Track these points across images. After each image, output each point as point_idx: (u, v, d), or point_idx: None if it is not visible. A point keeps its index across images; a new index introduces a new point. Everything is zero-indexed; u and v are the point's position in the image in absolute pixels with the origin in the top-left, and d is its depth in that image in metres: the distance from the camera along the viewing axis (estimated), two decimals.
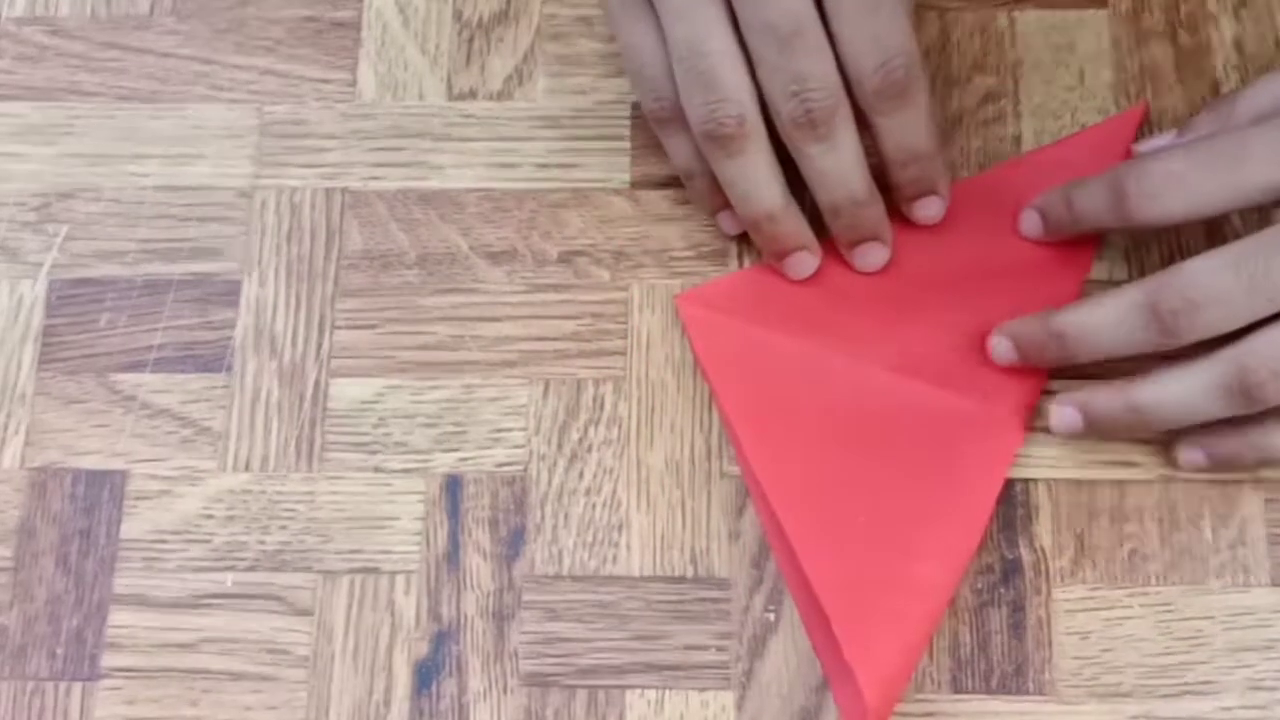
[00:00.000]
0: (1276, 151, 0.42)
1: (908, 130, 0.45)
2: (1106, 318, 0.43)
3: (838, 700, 0.43)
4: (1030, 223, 0.47)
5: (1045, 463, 0.46)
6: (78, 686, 0.45)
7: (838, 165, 0.44)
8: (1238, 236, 0.42)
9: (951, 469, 0.44)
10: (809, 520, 0.44)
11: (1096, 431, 0.44)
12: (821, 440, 0.45)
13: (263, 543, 0.46)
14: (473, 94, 0.51)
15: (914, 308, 0.47)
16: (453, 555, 0.45)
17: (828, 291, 0.47)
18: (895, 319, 0.47)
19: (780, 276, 0.47)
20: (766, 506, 0.45)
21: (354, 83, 0.51)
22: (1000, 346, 0.45)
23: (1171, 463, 0.45)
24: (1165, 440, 0.45)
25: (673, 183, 0.49)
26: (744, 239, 0.48)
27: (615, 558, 0.45)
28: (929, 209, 0.47)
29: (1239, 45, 0.50)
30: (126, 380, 0.48)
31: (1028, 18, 0.51)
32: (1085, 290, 0.47)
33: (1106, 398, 0.44)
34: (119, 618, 0.45)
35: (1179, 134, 0.46)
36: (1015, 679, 0.43)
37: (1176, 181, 0.42)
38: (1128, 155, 0.48)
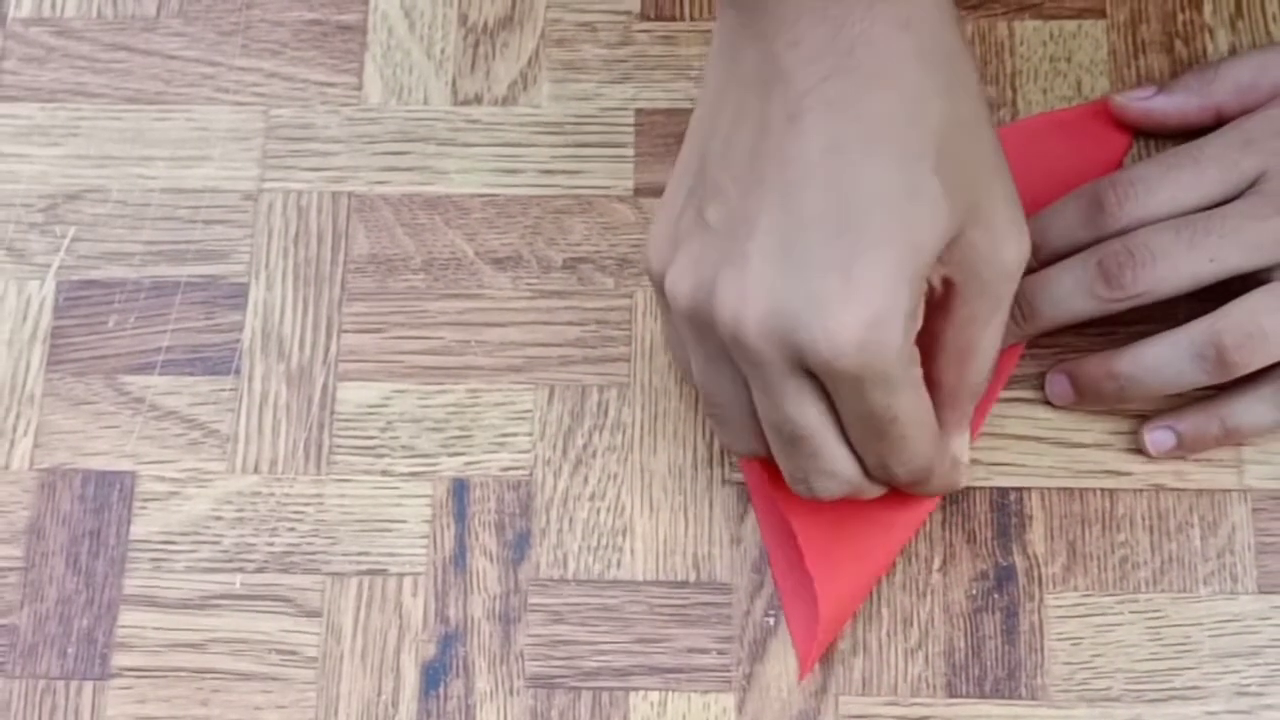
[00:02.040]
0: (1224, 151, 0.45)
1: (914, 488, 0.43)
2: (1058, 276, 0.45)
3: (789, 621, 0.45)
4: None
5: (1038, 472, 0.47)
6: (89, 686, 0.45)
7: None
8: None
9: None
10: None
11: (1086, 400, 0.46)
12: None
13: (271, 544, 0.47)
14: (478, 99, 0.51)
15: None
16: (459, 558, 0.46)
17: None
18: None
19: None
20: None
21: (360, 86, 0.51)
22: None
23: (1141, 449, 0.46)
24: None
25: None
26: None
27: (619, 562, 0.46)
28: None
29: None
30: (135, 382, 0.48)
31: (1026, 27, 0.51)
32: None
33: (1091, 365, 0.46)
34: (129, 618, 0.46)
35: (1159, 90, 0.49)
36: (1008, 683, 0.45)
37: (1143, 186, 0.45)
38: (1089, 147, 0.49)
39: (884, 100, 0.37)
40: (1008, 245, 0.39)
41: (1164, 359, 0.44)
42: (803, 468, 0.40)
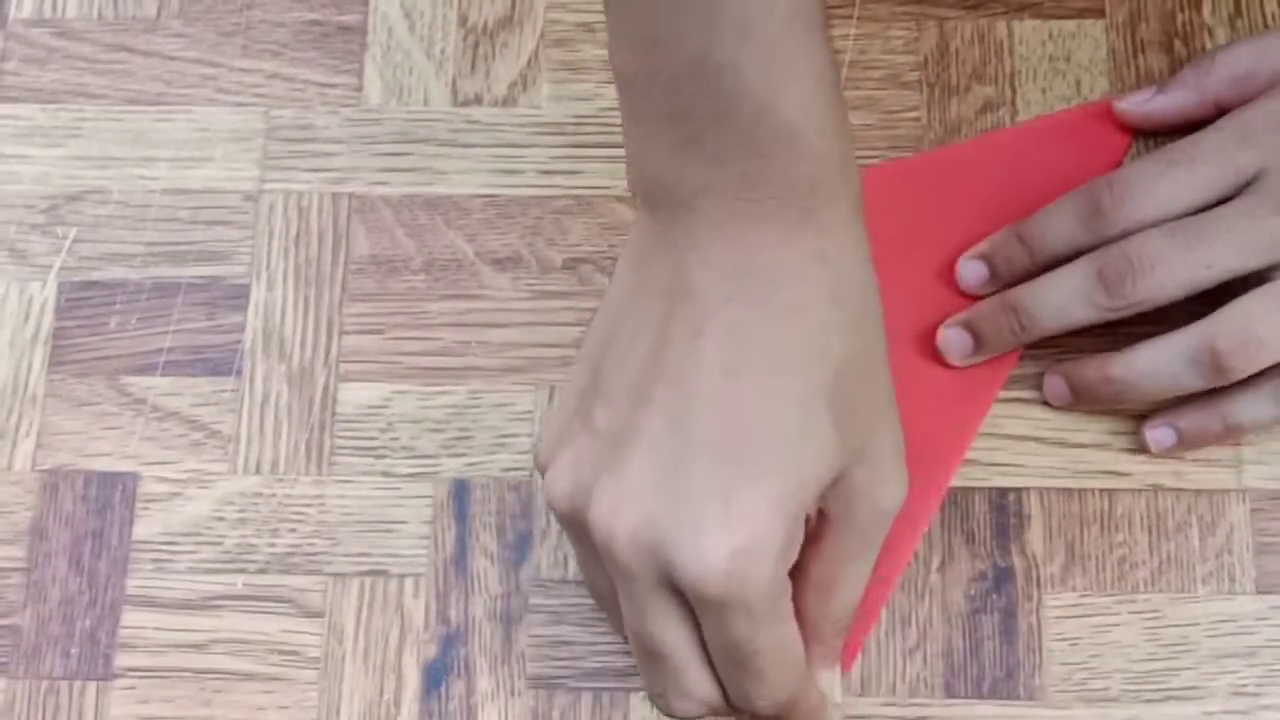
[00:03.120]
0: (1220, 148, 0.45)
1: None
2: (1057, 283, 0.45)
3: None
4: (972, 272, 0.47)
5: (1037, 472, 0.47)
6: (92, 686, 0.46)
7: None
8: None
9: (926, 425, 0.45)
10: None
11: (1082, 402, 0.46)
12: None
13: (273, 545, 0.47)
14: (478, 100, 0.51)
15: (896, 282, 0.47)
16: (460, 559, 0.46)
17: None
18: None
19: None
20: None
21: (360, 87, 0.51)
22: (952, 337, 0.47)
23: (1142, 446, 0.46)
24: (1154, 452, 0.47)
25: None
26: None
27: None
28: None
29: None
30: (136, 383, 0.48)
31: (1026, 27, 0.52)
32: None
33: (1087, 368, 0.46)
34: (131, 618, 0.46)
35: (1158, 89, 0.49)
36: (1006, 684, 0.45)
37: (1139, 186, 0.45)
38: (1087, 153, 0.49)
39: (789, 333, 0.37)
40: (887, 488, 0.39)
41: (1160, 364, 0.44)
42: (661, 683, 0.38)
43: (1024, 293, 0.46)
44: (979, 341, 0.47)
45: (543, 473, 0.40)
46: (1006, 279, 0.47)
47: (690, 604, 0.37)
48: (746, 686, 0.38)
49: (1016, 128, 0.50)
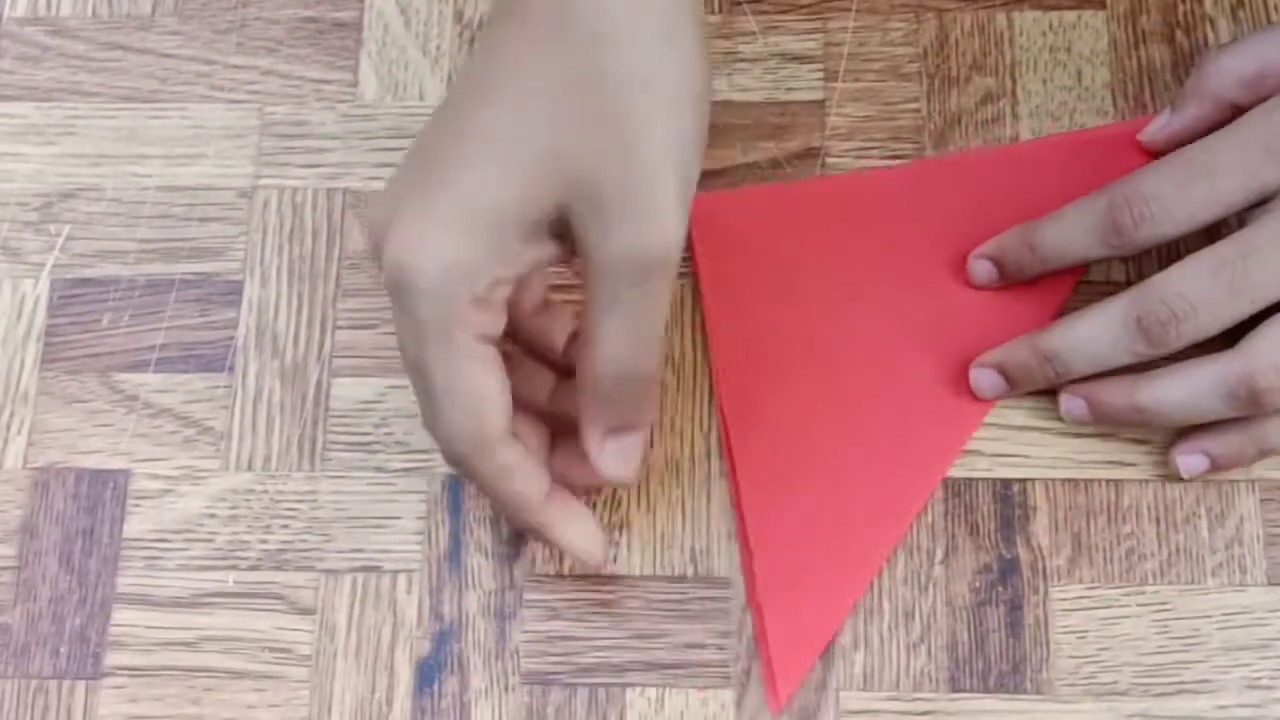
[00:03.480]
0: (1242, 160, 0.43)
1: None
2: (1094, 334, 0.43)
3: (761, 653, 0.44)
4: (982, 270, 0.47)
5: (1042, 463, 0.46)
6: (81, 685, 0.45)
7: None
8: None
9: (904, 444, 0.46)
10: (762, 476, 0.45)
11: (1103, 425, 0.45)
12: (790, 384, 0.46)
13: (265, 542, 0.46)
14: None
15: (914, 277, 0.48)
16: (454, 554, 0.46)
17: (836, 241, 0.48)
18: (896, 281, 0.48)
19: (800, 201, 0.49)
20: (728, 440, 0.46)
21: (355, 83, 0.51)
22: (984, 379, 0.46)
23: (1173, 472, 0.45)
24: (1163, 440, 0.46)
25: None
26: None
27: (615, 557, 0.45)
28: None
29: None
30: (129, 380, 0.48)
31: (1026, 18, 0.51)
32: (1074, 294, 0.47)
33: (1112, 394, 0.44)
34: (122, 616, 0.46)
35: (1171, 111, 0.47)
36: (1013, 678, 0.44)
37: (1158, 205, 0.43)
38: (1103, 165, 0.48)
39: (523, 49, 0.37)
40: (620, 231, 0.37)
41: (1193, 396, 0.42)
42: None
43: (1058, 342, 0.44)
44: (1011, 383, 0.46)
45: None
46: (1015, 280, 0.47)
47: None
48: (424, 414, 0.39)
49: (1034, 142, 0.49)
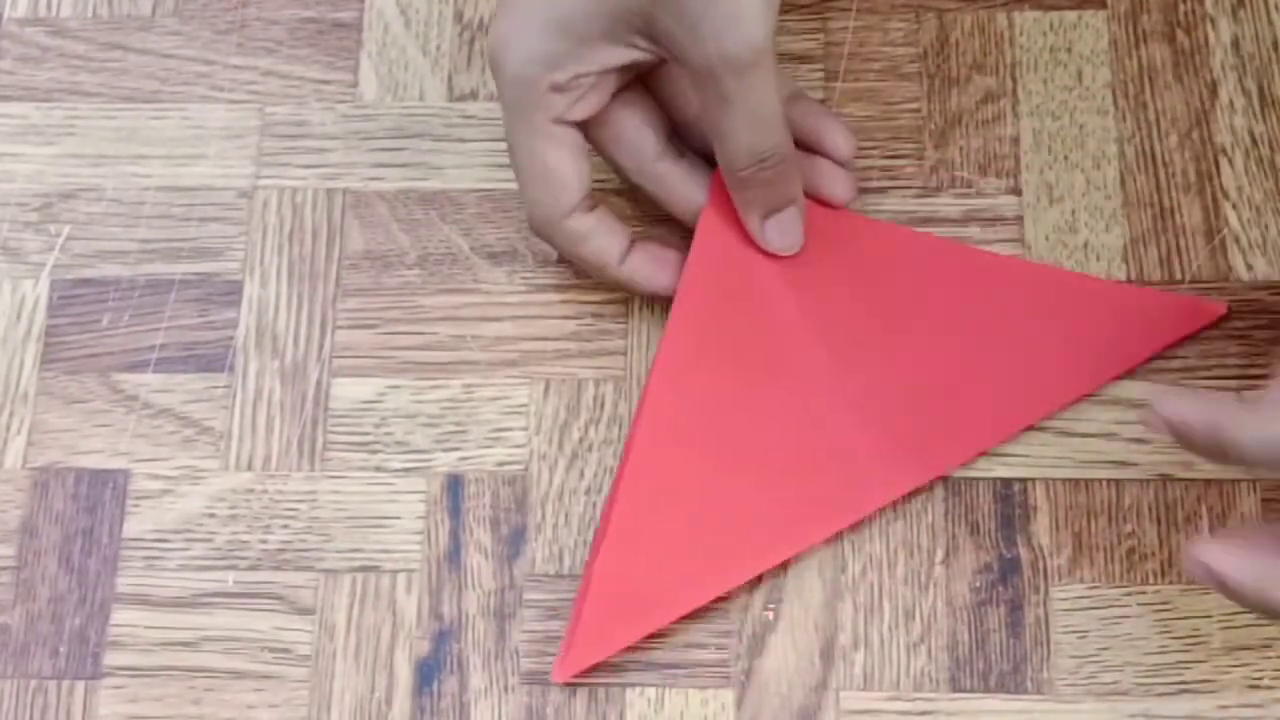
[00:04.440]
0: None
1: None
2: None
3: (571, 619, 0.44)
4: (1159, 428, 0.39)
5: (1043, 462, 0.46)
6: (80, 685, 0.45)
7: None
8: None
9: (802, 490, 0.45)
10: (656, 457, 0.45)
11: (1180, 444, 0.39)
12: (724, 386, 0.46)
13: (264, 542, 0.46)
14: (473, 95, 0.51)
15: (898, 322, 0.47)
16: (454, 554, 0.46)
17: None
18: (877, 324, 0.47)
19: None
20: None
21: (355, 83, 0.51)
22: (1156, 422, 0.38)
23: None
24: (1163, 440, 0.45)
25: None
26: None
27: None
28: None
29: (1237, 46, 0.50)
30: (128, 380, 0.48)
31: (1026, 18, 0.51)
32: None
33: (1202, 428, 0.38)
34: (121, 616, 0.45)
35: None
36: (1013, 677, 0.44)
37: None
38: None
39: None
40: (707, 42, 0.40)
41: None
42: None
43: (1250, 443, 0.37)
44: (1175, 437, 0.39)
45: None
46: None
47: None
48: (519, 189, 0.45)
49: (1049, 270, 0.48)
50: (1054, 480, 0.46)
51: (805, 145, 0.46)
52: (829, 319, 0.47)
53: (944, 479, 0.46)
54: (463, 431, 0.47)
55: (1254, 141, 0.49)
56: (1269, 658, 0.43)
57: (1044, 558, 0.45)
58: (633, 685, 0.44)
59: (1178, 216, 0.48)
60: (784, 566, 0.45)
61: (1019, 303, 0.47)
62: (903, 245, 0.48)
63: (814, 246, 0.47)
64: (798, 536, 0.45)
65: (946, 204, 0.49)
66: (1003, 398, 0.46)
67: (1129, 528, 0.45)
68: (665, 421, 0.45)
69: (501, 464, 0.47)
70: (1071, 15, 0.51)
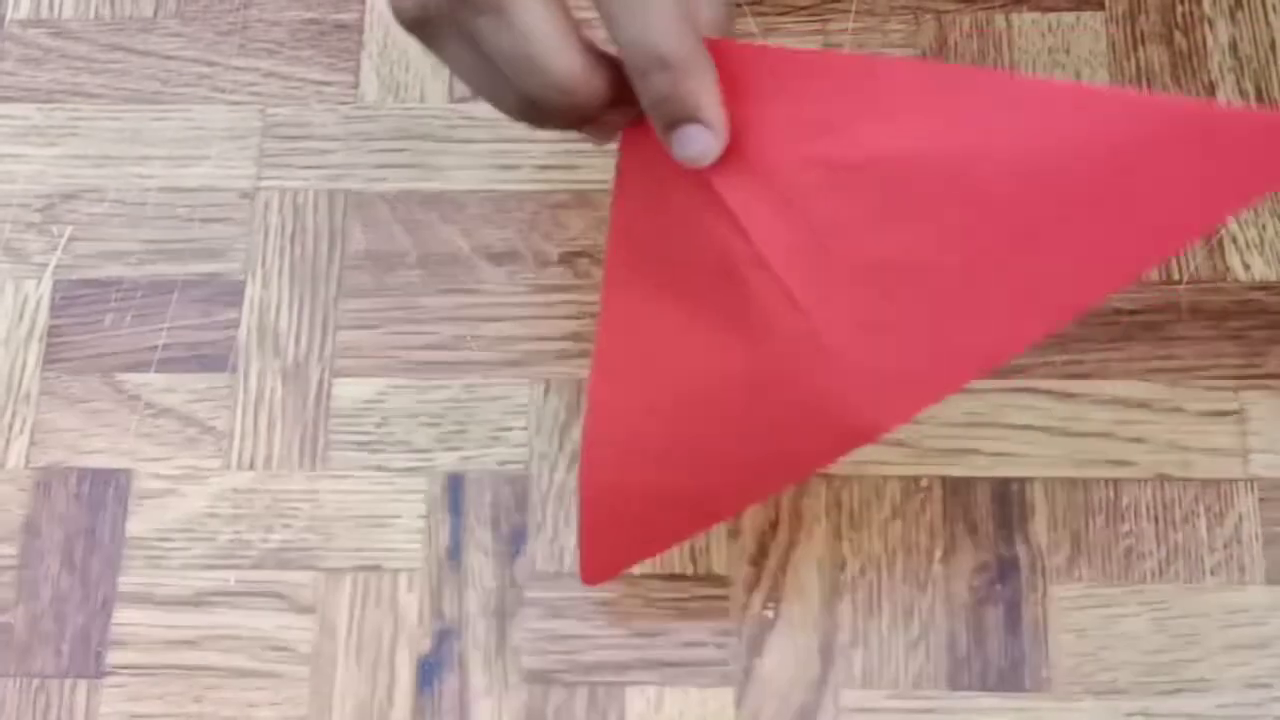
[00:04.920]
0: None
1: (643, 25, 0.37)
2: None
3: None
4: None
5: (1041, 461, 0.46)
6: (83, 684, 0.45)
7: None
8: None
9: (782, 431, 0.39)
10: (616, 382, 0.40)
11: None
12: (683, 317, 0.40)
13: (266, 541, 0.46)
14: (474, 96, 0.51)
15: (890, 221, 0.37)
16: (455, 553, 0.46)
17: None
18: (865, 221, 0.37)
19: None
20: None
21: (356, 85, 0.51)
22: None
23: None
24: (1163, 440, 0.46)
25: None
26: None
27: None
28: (689, 144, 0.38)
29: (1234, 48, 0.51)
30: (131, 380, 0.48)
31: (1024, 20, 0.51)
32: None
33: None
34: (124, 615, 0.46)
35: None
36: (1012, 676, 0.44)
37: None
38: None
39: None
40: None
41: None
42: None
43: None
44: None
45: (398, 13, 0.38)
46: None
47: None
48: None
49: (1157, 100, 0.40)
50: (1052, 479, 0.46)
51: None
52: (785, 209, 0.38)
53: (941, 479, 0.46)
54: (464, 431, 0.47)
55: None
56: (1266, 656, 0.44)
57: (1042, 557, 0.45)
58: (633, 684, 0.44)
59: None
60: (784, 566, 0.45)
61: (1067, 141, 0.35)
62: (870, 80, 0.37)
63: (756, 118, 0.38)
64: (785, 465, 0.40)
65: None
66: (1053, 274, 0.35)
67: (1127, 527, 0.45)
68: (622, 331, 0.40)
69: (502, 464, 0.47)
70: (1070, 17, 0.51)
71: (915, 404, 0.37)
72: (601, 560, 0.44)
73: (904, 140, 0.36)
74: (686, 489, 0.41)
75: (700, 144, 0.38)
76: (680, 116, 0.38)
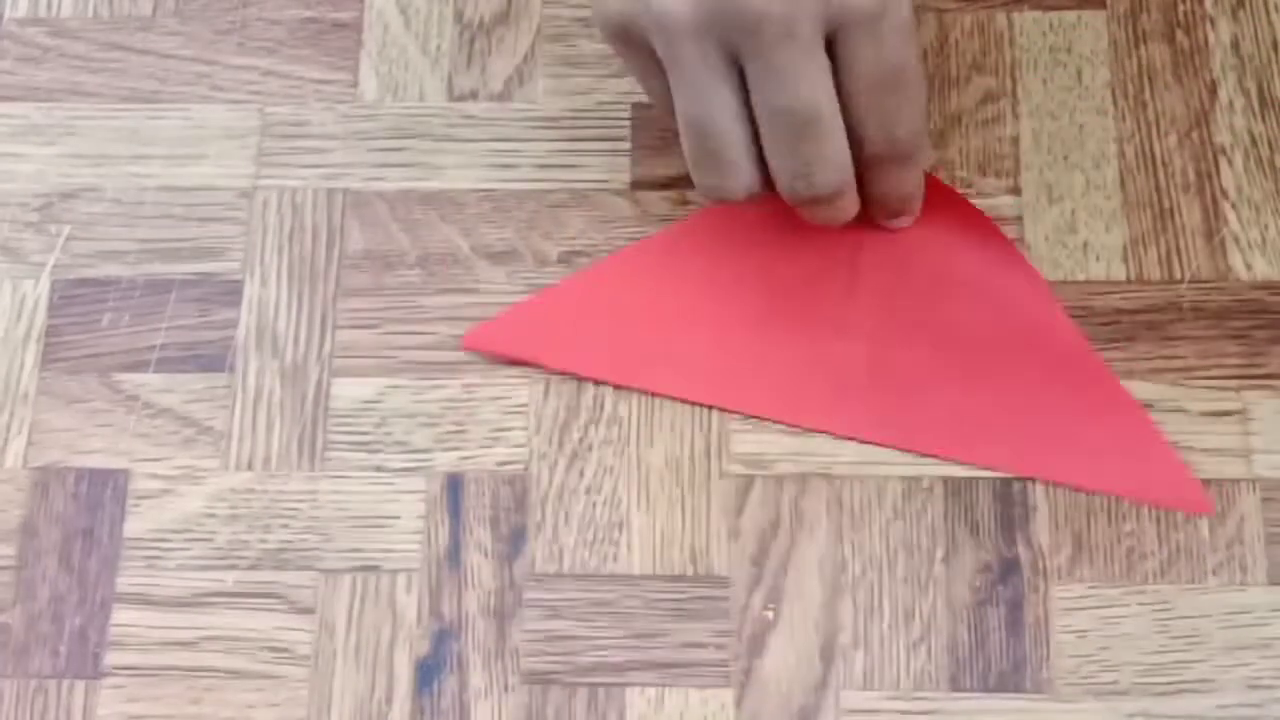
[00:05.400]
0: None
1: (902, 183, 0.46)
2: None
3: None
4: None
5: None
6: (80, 685, 0.45)
7: (831, 216, 0.44)
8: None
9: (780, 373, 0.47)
10: None
11: None
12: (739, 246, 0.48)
13: (264, 541, 0.46)
14: (473, 95, 0.51)
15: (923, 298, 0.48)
16: (454, 554, 0.46)
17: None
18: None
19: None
20: None
21: (355, 84, 0.51)
22: None
23: None
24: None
25: (673, 184, 0.49)
26: None
27: (615, 556, 0.45)
28: (899, 223, 0.48)
29: (1236, 46, 0.50)
30: (129, 380, 0.48)
31: (1026, 18, 0.51)
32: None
33: None
34: (121, 616, 0.46)
35: None
36: (1013, 677, 0.44)
37: None
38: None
39: None
40: None
41: None
42: (807, 158, 0.40)
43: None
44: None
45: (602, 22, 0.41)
46: None
47: (838, 50, 0.39)
48: (897, 113, 0.41)
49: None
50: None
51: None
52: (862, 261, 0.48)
53: (943, 479, 0.46)
54: (463, 431, 0.47)
55: (1253, 141, 0.49)
56: (1268, 657, 0.44)
57: (1044, 557, 0.45)
58: (633, 684, 0.44)
59: (1177, 216, 0.48)
60: (784, 567, 0.45)
61: (1040, 359, 0.47)
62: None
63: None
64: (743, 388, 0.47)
65: None
66: (969, 426, 0.46)
67: (1128, 527, 0.45)
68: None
69: (502, 464, 0.47)
70: (1071, 15, 0.51)
71: (891, 442, 0.46)
72: (503, 333, 0.47)
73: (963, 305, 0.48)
74: (656, 338, 0.47)
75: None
76: (907, 209, 0.47)
